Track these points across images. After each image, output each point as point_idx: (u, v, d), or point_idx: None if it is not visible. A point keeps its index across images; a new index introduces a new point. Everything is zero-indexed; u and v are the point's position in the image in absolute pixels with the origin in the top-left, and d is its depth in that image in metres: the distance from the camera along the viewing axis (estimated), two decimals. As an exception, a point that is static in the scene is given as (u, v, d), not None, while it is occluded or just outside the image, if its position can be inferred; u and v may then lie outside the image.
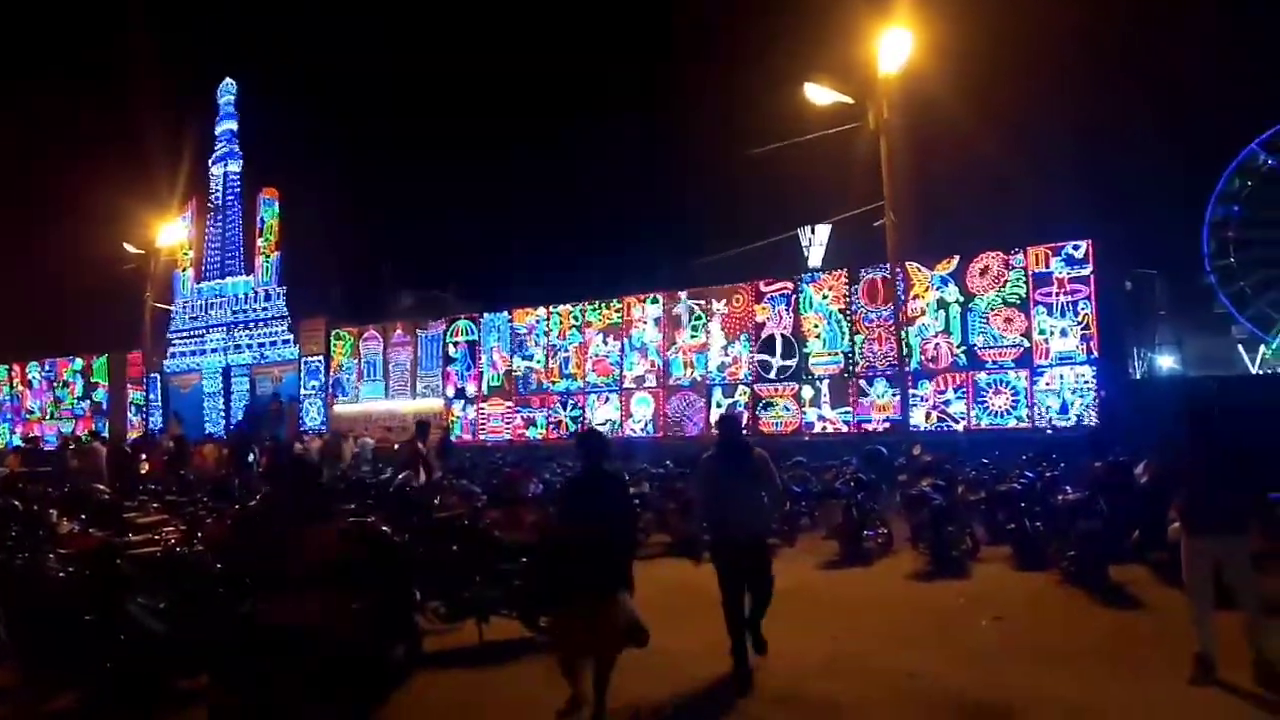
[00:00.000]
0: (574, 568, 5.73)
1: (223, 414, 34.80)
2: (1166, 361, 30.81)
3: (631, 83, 64.93)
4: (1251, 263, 36.07)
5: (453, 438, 24.83)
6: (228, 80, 37.88)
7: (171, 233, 34.05)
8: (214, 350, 35.36)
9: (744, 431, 7.02)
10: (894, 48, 13.94)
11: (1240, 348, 35.99)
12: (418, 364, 29.62)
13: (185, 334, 36.34)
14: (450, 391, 28.57)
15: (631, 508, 6.80)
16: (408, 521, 8.81)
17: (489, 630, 7.78)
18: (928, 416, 20.62)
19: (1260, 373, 33.82)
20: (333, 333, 31.76)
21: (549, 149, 62.20)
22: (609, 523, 5.88)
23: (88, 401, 37.83)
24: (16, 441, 34.55)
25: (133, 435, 31.97)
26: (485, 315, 28.65)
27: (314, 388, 32.09)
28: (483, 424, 27.71)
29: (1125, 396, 19.29)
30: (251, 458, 18.42)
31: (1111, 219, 33.96)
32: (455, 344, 28.73)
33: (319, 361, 31.98)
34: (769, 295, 23.27)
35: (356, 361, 31.09)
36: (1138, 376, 24.02)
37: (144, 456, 20.05)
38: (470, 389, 28.21)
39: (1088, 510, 9.35)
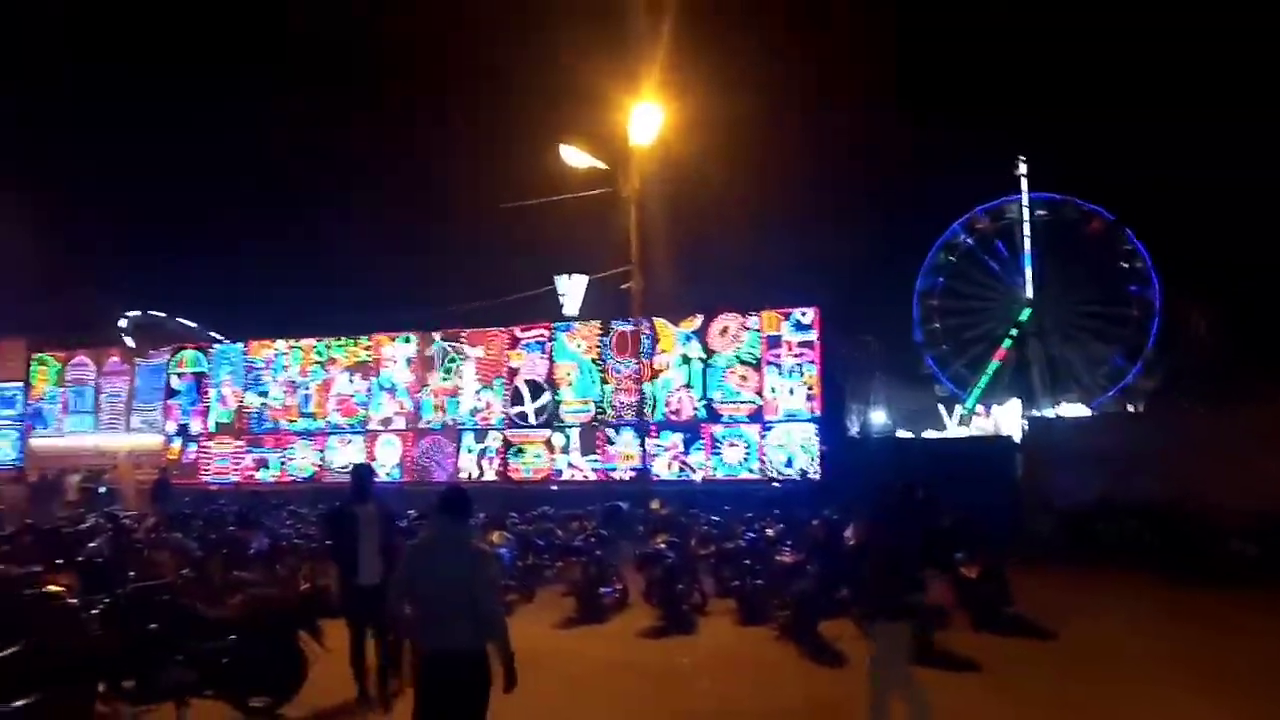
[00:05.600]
0: None
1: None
2: (879, 417, 34.06)
3: (396, 124, 63.47)
4: (952, 329, 40.83)
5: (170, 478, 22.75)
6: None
7: None
8: (-122, 372, 30.35)
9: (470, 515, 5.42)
10: (645, 122, 14.62)
11: (941, 406, 40.45)
12: (135, 395, 26.93)
13: None
14: (172, 427, 26.16)
15: None
16: (100, 590, 7.94)
17: (190, 713, 7.13)
18: (669, 466, 21.45)
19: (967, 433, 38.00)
20: (34, 356, 28.21)
21: (305, 184, 58.96)
22: None
23: None
24: None
25: None
26: (217, 346, 26.63)
27: (9, 418, 28.30)
28: (207, 464, 25.56)
29: (843, 452, 21.07)
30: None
31: (839, 286, 37.32)
32: (180, 375, 26.39)
33: (16, 389, 28.26)
34: (524, 341, 23.35)
35: (62, 390, 27.78)
36: (854, 432, 26.35)
37: None
38: (195, 426, 25.97)
39: (802, 571, 10.08)
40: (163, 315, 34.46)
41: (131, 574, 8.87)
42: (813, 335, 20.96)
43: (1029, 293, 40.42)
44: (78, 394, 27.61)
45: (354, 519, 7.81)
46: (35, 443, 27.60)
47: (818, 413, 20.71)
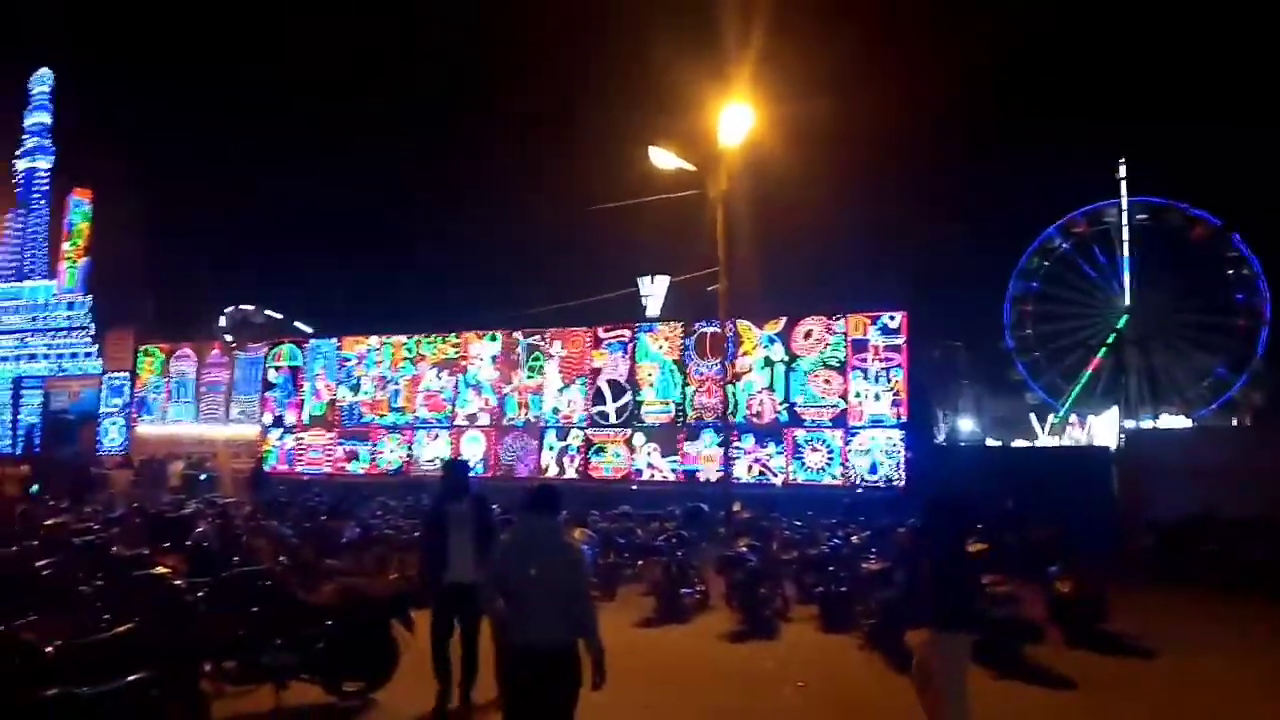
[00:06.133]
0: None
1: (10, 428, 31.83)
2: (966, 424, 33.23)
3: (487, 127, 64.51)
4: (1045, 335, 39.51)
5: (266, 468, 23.64)
6: (44, 70, 35.08)
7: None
8: (3, 359, 32.29)
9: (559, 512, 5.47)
10: (734, 123, 14.55)
11: (1032, 415, 39.22)
12: (234, 387, 28.03)
13: (-30, 338, 33.11)
14: (268, 419, 27.14)
15: None
16: (205, 573, 8.28)
17: (287, 695, 7.38)
18: (749, 469, 21.31)
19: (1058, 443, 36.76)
20: (142, 348, 29.65)
21: (397, 185, 60.61)
22: None
23: None
24: None
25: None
26: (312, 341, 27.54)
27: (116, 406, 29.77)
28: (300, 455, 26.45)
29: (929, 460, 20.62)
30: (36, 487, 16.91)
31: (927, 290, 36.53)
32: (277, 369, 27.39)
33: (124, 378, 29.72)
34: (607, 341, 23.52)
35: (166, 380, 29.09)
36: (941, 439, 25.76)
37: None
38: (290, 417, 26.90)
39: (887, 579, 9.90)
40: (259, 310, 35.80)
41: (235, 559, 9.22)
42: (900, 340, 20.58)
43: (1127, 299, 38.87)
44: (180, 385, 28.87)
45: (444, 516, 7.76)
46: (140, 430, 28.95)
47: (904, 419, 20.34)
